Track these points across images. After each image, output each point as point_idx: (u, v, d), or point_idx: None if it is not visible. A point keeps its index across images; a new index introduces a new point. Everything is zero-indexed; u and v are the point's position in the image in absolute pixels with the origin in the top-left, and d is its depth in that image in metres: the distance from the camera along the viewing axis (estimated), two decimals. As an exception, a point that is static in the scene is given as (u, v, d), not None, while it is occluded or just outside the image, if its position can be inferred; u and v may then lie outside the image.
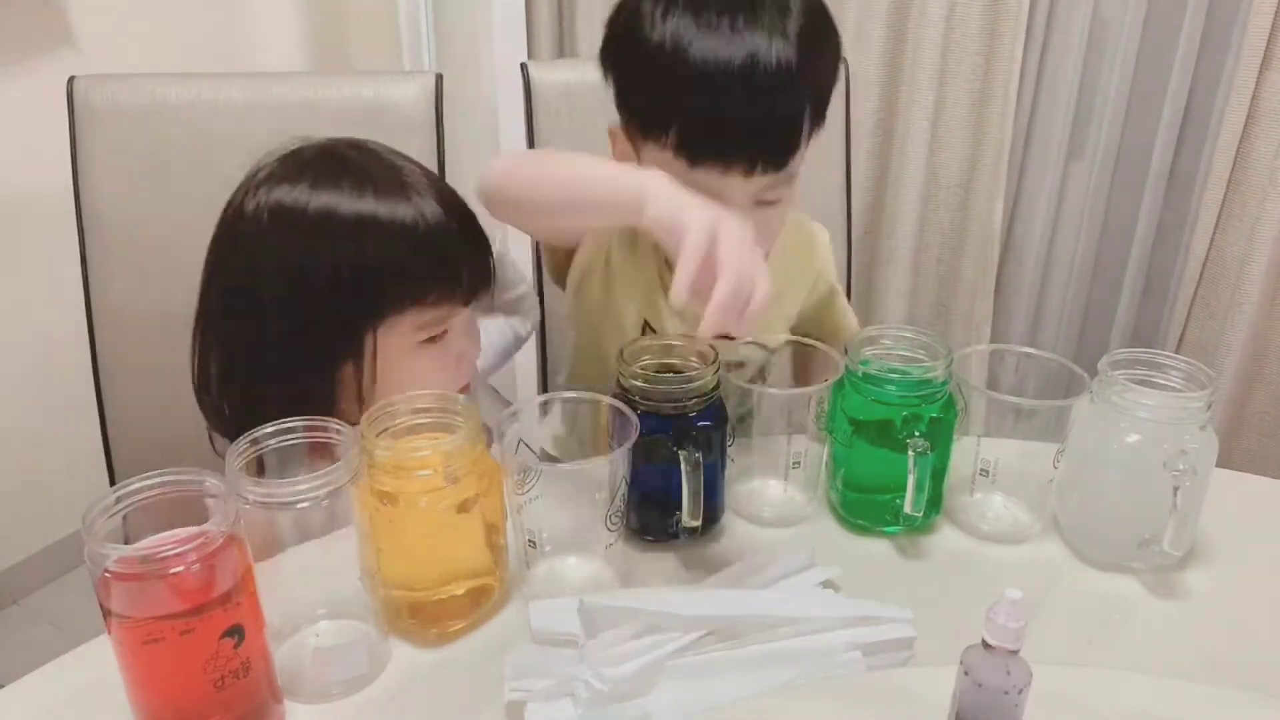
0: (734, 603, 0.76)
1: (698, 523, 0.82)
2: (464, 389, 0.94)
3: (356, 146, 0.90)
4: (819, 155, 1.32)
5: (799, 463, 0.91)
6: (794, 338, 0.98)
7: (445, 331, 0.91)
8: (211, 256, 0.90)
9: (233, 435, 0.74)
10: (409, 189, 0.87)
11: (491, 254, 0.93)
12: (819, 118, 0.87)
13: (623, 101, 0.90)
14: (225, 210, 0.90)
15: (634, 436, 0.76)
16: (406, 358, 0.89)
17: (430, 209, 0.87)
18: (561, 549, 0.82)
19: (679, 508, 0.81)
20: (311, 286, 0.85)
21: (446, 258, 0.88)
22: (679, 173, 0.82)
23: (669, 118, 0.83)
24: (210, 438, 0.94)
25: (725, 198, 0.82)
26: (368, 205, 0.85)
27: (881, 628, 0.75)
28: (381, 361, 0.88)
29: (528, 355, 2.26)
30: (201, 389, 0.91)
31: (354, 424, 0.73)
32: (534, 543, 0.80)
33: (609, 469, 0.77)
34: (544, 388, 1.38)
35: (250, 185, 0.88)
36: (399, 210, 0.86)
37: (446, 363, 0.92)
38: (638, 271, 0.99)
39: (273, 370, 0.87)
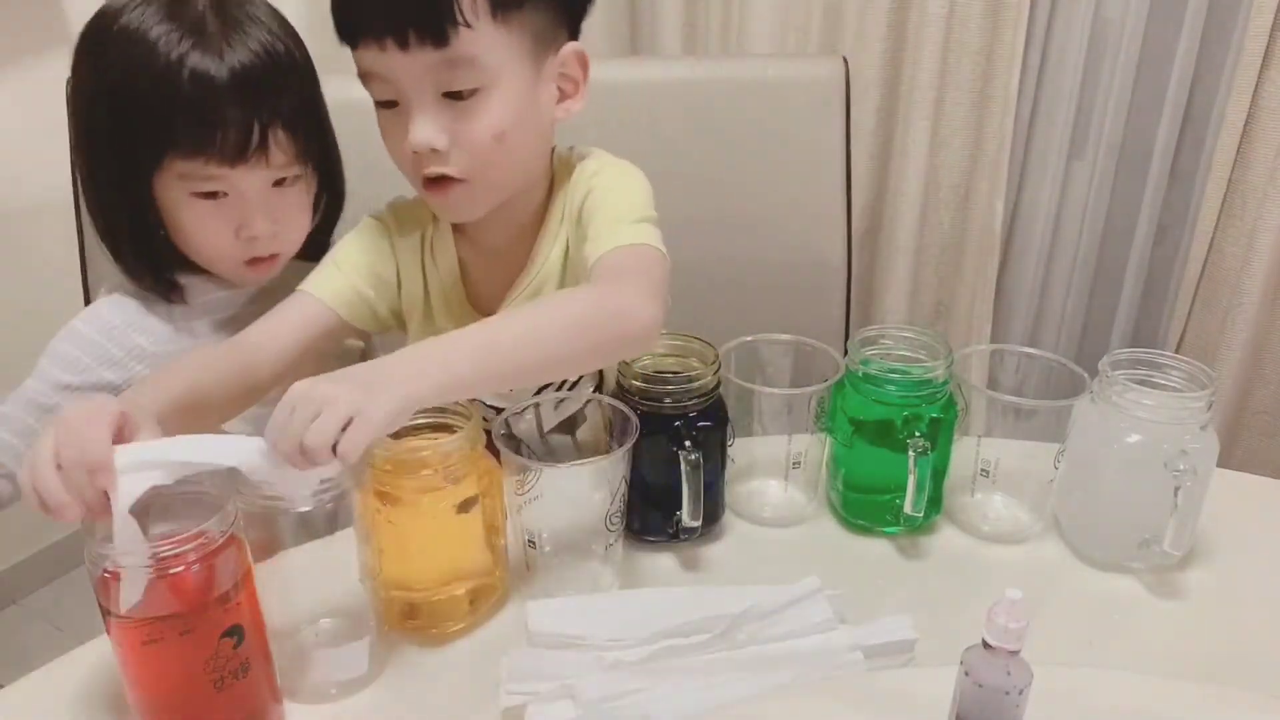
0: (720, 604, 0.76)
1: (698, 523, 0.82)
2: (260, 262, 0.96)
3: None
4: (819, 155, 1.33)
5: (799, 463, 0.91)
6: (793, 337, 0.98)
7: (225, 194, 0.91)
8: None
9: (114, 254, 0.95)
10: (211, 44, 0.86)
11: (319, 145, 0.96)
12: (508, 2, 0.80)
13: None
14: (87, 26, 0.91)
15: (634, 436, 0.76)
16: (178, 206, 0.91)
17: (207, 64, 0.86)
18: (561, 549, 0.82)
19: (679, 508, 0.81)
20: (100, 106, 0.89)
21: (202, 111, 0.86)
22: (357, 60, 0.83)
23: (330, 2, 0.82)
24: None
25: (402, 84, 0.80)
26: (156, 33, 0.86)
27: (882, 627, 0.75)
28: (165, 209, 0.92)
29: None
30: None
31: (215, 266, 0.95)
32: (534, 543, 0.80)
33: (609, 469, 0.77)
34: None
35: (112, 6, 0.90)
36: (174, 49, 0.85)
37: (223, 224, 0.92)
38: (436, 285, 0.96)
39: (99, 189, 0.93)
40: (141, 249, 0.95)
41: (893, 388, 0.85)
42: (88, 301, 1.15)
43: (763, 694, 0.70)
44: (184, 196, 0.90)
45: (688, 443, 0.80)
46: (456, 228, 0.95)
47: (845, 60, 1.36)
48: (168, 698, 0.64)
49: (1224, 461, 0.84)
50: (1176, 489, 0.77)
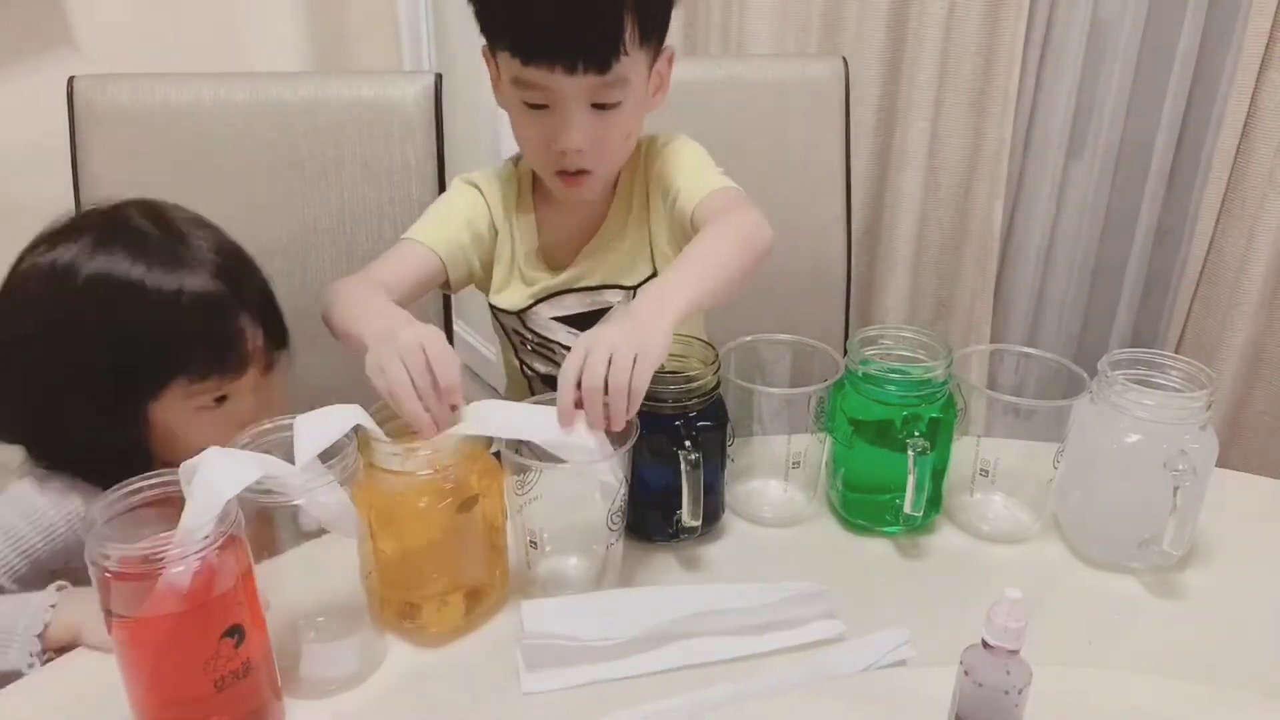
0: (718, 603, 0.77)
1: (698, 523, 0.82)
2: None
3: (149, 212, 0.91)
4: (819, 155, 1.34)
5: (799, 463, 0.91)
6: (793, 337, 0.98)
7: (225, 397, 0.90)
8: None
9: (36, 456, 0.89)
10: (185, 261, 0.87)
11: (280, 324, 0.96)
12: (650, 27, 0.93)
13: (478, 18, 0.96)
14: (13, 265, 0.91)
15: (634, 437, 0.76)
16: (184, 424, 0.90)
17: (199, 283, 0.87)
18: (562, 549, 0.82)
19: (679, 508, 0.81)
20: (81, 351, 0.86)
21: (210, 333, 0.88)
22: (517, 71, 0.92)
23: (503, 20, 0.92)
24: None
25: (560, 95, 0.92)
26: (136, 272, 0.86)
27: (877, 644, 0.76)
28: (163, 426, 0.90)
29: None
30: None
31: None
32: (535, 543, 0.80)
33: (609, 469, 0.77)
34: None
35: (36, 242, 0.91)
36: (164, 281, 0.86)
37: (229, 429, 0.81)
38: (517, 245, 1.07)
39: (66, 424, 0.88)
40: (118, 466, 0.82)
41: (892, 388, 0.85)
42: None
43: (763, 694, 0.70)
44: (189, 412, 0.90)
45: (688, 443, 0.80)
46: (539, 194, 1.07)
47: (845, 60, 1.37)
48: (168, 698, 0.64)
49: (1224, 461, 0.84)
50: (1176, 489, 0.77)
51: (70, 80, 1.12)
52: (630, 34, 0.90)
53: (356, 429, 0.72)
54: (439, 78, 1.23)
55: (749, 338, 0.96)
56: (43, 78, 1.67)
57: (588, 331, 0.78)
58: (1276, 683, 0.74)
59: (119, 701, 0.64)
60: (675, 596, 0.79)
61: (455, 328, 1.34)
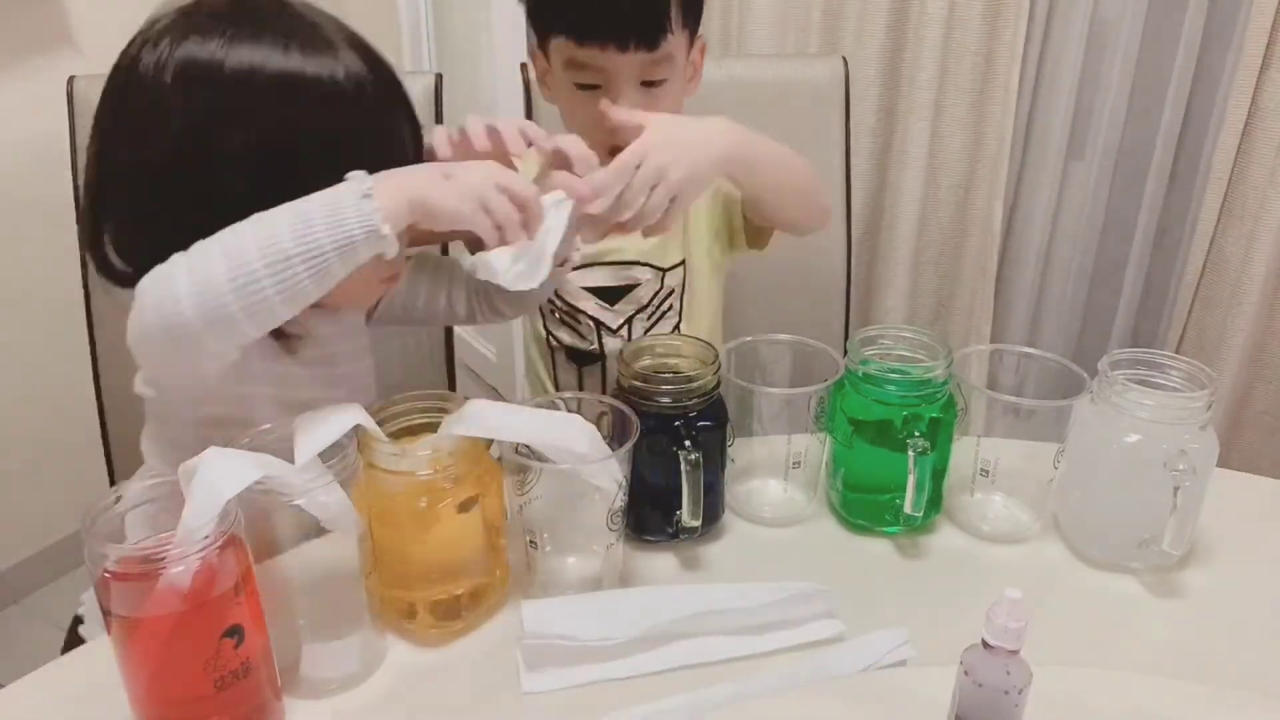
0: (716, 602, 0.77)
1: (698, 523, 0.82)
2: (392, 280, 0.88)
3: (272, 3, 0.78)
4: (819, 155, 1.34)
5: (799, 462, 0.91)
6: (793, 337, 0.98)
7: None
8: (101, 121, 0.79)
9: (127, 281, 0.74)
10: (333, 46, 0.77)
11: (419, 131, 0.84)
12: (689, 10, 1.00)
13: (530, 9, 1.02)
14: (116, 68, 0.77)
15: (634, 436, 0.76)
16: None
17: (356, 67, 0.77)
18: (562, 549, 0.82)
19: (679, 508, 0.81)
20: (224, 157, 0.74)
21: (378, 124, 0.79)
22: (571, 52, 0.98)
23: (558, 6, 0.99)
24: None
25: (611, 74, 0.98)
26: (293, 63, 0.74)
27: (876, 643, 0.76)
28: None
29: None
30: (93, 248, 0.82)
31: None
32: (534, 543, 0.80)
33: (609, 469, 0.77)
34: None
35: (148, 37, 0.76)
36: (327, 69, 0.75)
37: (374, 270, 0.81)
38: None
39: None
40: None
41: (892, 388, 0.85)
42: (88, 301, 1.15)
43: (763, 694, 0.70)
44: None
45: (688, 443, 0.80)
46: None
47: (845, 60, 1.36)
48: (168, 698, 0.64)
49: (1224, 461, 0.84)
50: (1176, 489, 0.77)
51: (70, 80, 1.12)
52: (675, 13, 0.97)
53: (356, 429, 0.72)
54: (439, 78, 1.23)
55: (749, 338, 0.96)
56: (43, 78, 1.68)
57: (648, 133, 0.86)
58: (1276, 683, 0.74)
59: (119, 701, 0.64)
60: (675, 596, 0.79)
61: (455, 328, 1.34)
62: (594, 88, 0.99)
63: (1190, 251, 1.76)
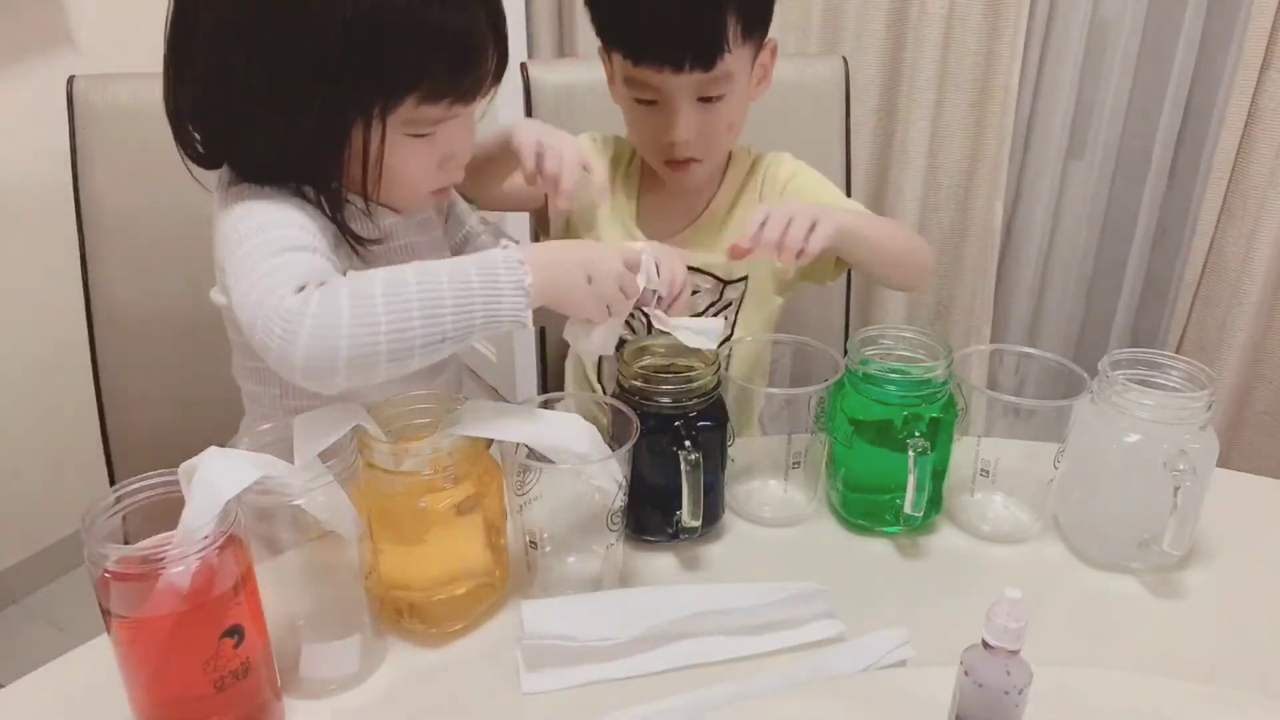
0: (716, 602, 0.77)
1: (698, 523, 0.82)
2: (444, 191, 0.88)
3: None
4: (819, 155, 1.33)
5: (798, 462, 0.91)
6: (793, 337, 0.98)
7: (437, 131, 0.81)
8: None
9: (208, 161, 0.79)
10: None
11: (505, 51, 0.82)
12: (753, 23, 0.98)
13: (593, 19, 1.02)
14: None
15: (635, 436, 0.76)
16: (387, 146, 0.79)
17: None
18: (562, 549, 0.82)
19: (679, 508, 0.81)
20: (313, 46, 0.73)
21: (460, 42, 0.77)
22: (629, 71, 0.99)
23: (616, 24, 0.99)
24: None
25: (668, 92, 0.98)
26: None
27: (875, 644, 0.76)
28: (363, 148, 0.78)
29: (527, 356, 2.26)
30: (174, 111, 0.81)
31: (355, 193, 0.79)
32: (534, 543, 0.80)
33: (610, 469, 0.77)
34: (544, 387, 1.38)
35: None
36: None
37: (430, 160, 0.83)
38: (615, 206, 1.12)
39: (252, 120, 0.76)
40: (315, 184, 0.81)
41: (892, 388, 0.85)
42: (88, 301, 1.15)
43: (763, 694, 0.70)
44: (398, 138, 0.80)
45: (688, 443, 0.80)
46: (644, 175, 1.13)
47: (845, 60, 1.36)
48: (168, 698, 0.64)
49: (1224, 461, 0.84)
50: (1176, 489, 0.77)
51: (70, 80, 1.12)
52: (734, 32, 0.95)
53: (356, 429, 0.72)
54: (439, 78, 1.23)
55: (749, 338, 0.96)
56: (43, 78, 1.68)
57: (780, 204, 0.91)
58: (1276, 683, 0.74)
59: (119, 701, 0.64)
60: (675, 596, 0.79)
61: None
62: (651, 103, 1.00)
63: (1190, 251, 1.76)
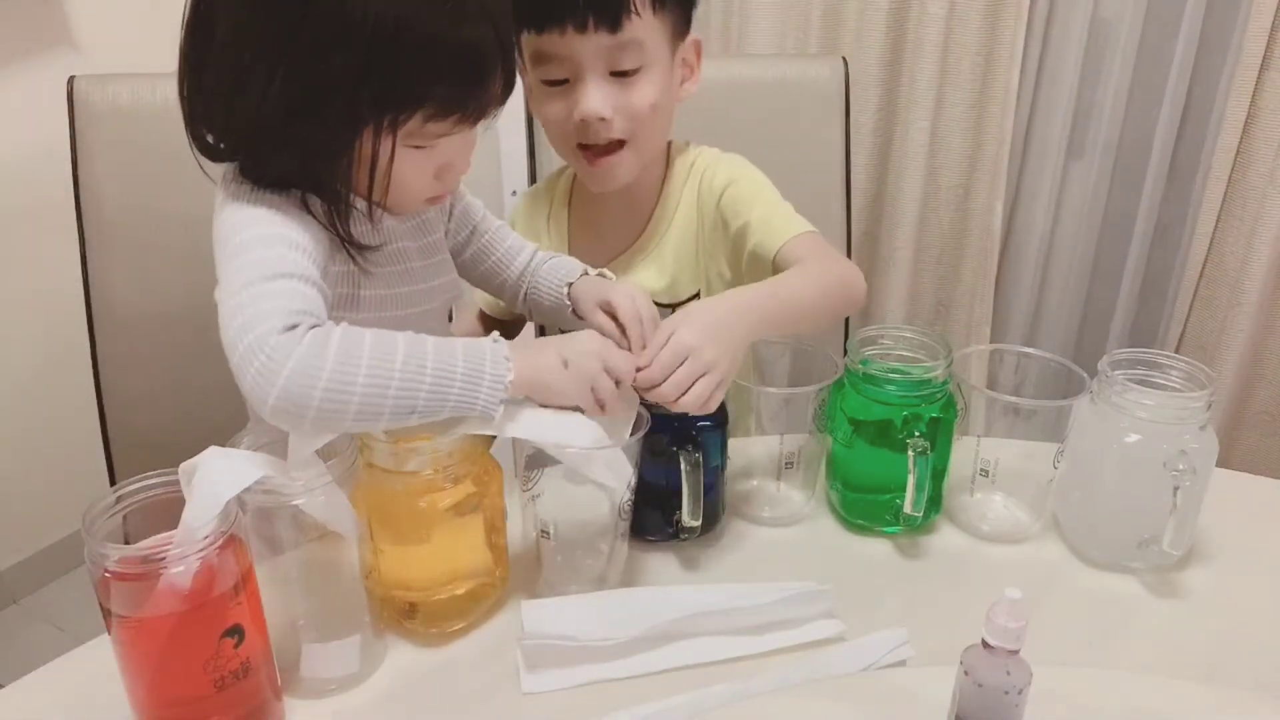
0: (716, 602, 0.77)
1: (697, 523, 0.82)
2: (440, 197, 0.86)
3: None
4: (819, 155, 1.33)
5: (791, 463, 0.91)
6: (793, 337, 0.98)
7: (438, 145, 0.81)
8: None
9: (217, 156, 0.78)
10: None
11: (513, 70, 0.82)
12: None
13: None
14: None
15: (645, 428, 0.76)
16: (388, 156, 0.78)
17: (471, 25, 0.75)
18: (570, 545, 0.82)
19: (679, 508, 0.81)
20: (333, 50, 0.72)
21: (474, 62, 0.76)
22: (534, 44, 0.94)
23: None
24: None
25: (576, 63, 0.94)
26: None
27: (876, 643, 0.76)
28: (366, 156, 0.77)
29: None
30: (189, 114, 0.79)
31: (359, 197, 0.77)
32: (546, 533, 0.80)
33: (615, 466, 0.76)
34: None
35: None
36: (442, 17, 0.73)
37: (427, 171, 0.82)
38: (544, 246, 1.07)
39: (267, 127, 0.75)
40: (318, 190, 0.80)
41: (892, 388, 0.85)
42: (88, 301, 1.15)
43: (762, 694, 0.70)
44: (400, 149, 0.79)
45: (688, 443, 0.80)
46: (573, 207, 1.10)
47: (845, 60, 1.36)
48: (168, 697, 0.64)
49: (1224, 461, 0.84)
50: (1176, 489, 0.78)
51: (70, 80, 1.12)
52: None
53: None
54: (439, 78, 1.23)
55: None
56: (43, 78, 1.68)
57: (669, 319, 0.81)
58: (1277, 683, 0.74)
59: (119, 701, 0.64)
60: (675, 596, 0.79)
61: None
62: (562, 83, 0.96)
63: (1190, 251, 1.77)
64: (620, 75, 0.95)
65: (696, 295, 1.07)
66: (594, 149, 0.99)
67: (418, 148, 0.80)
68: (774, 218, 1.01)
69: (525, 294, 1.01)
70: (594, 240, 1.10)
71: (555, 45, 0.93)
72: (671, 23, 0.98)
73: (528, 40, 0.95)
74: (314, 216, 0.78)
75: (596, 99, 0.95)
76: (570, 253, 1.05)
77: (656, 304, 0.98)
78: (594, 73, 0.94)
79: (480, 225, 1.02)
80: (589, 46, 0.93)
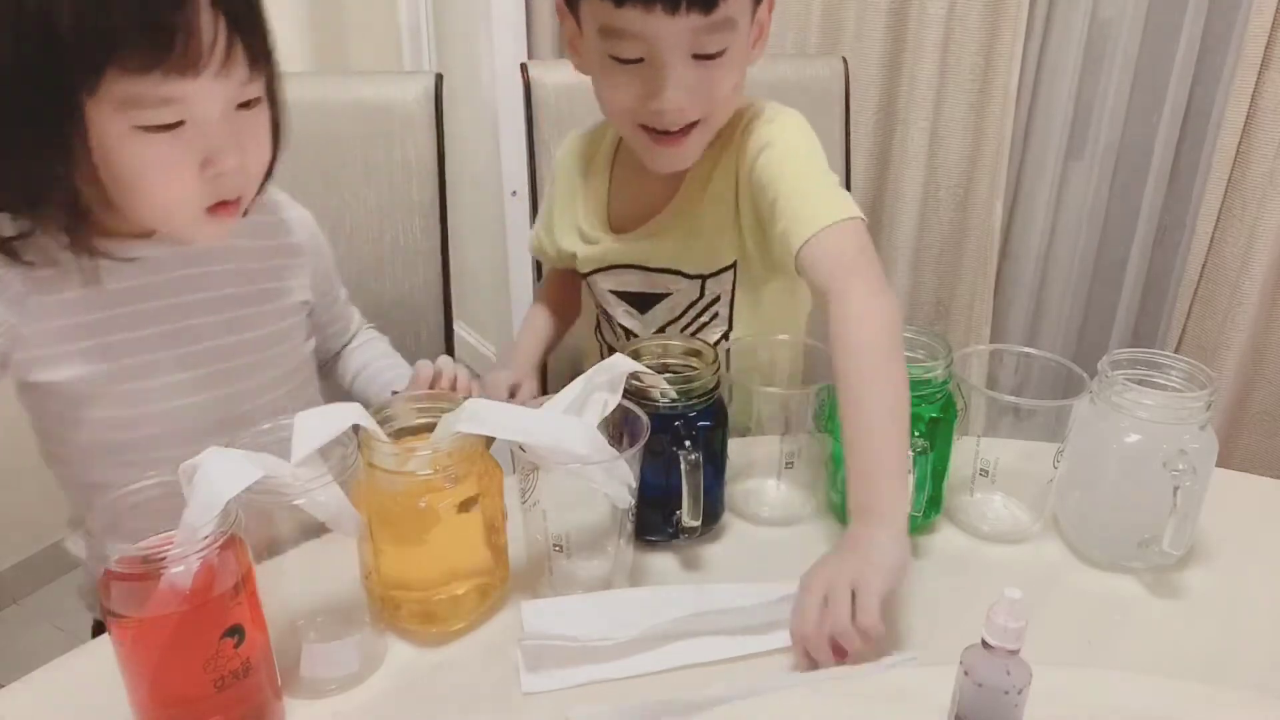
0: (716, 602, 0.77)
1: (697, 523, 0.82)
2: (225, 207, 0.76)
3: None
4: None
5: (791, 462, 0.91)
6: (793, 337, 0.98)
7: (182, 122, 0.70)
8: None
9: None
10: None
11: (259, 25, 0.73)
12: None
13: None
14: None
15: (644, 437, 0.76)
16: (122, 145, 0.68)
17: None
18: (575, 550, 0.82)
19: (679, 508, 0.81)
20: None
21: (156, 6, 0.66)
22: (607, 17, 0.81)
23: None
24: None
25: (657, 45, 0.81)
26: None
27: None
28: (98, 148, 0.68)
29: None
30: None
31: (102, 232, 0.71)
32: (560, 547, 0.79)
33: (617, 472, 0.76)
34: (544, 388, 1.38)
35: None
36: None
37: (186, 162, 0.72)
38: (587, 207, 1.05)
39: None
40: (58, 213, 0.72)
41: (892, 388, 0.85)
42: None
43: (762, 694, 0.70)
44: (128, 133, 0.69)
45: (688, 443, 0.80)
46: (616, 168, 1.02)
47: (845, 60, 1.37)
48: (168, 698, 0.64)
49: (1224, 461, 0.84)
50: (1176, 489, 0.78)
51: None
52: None
53: (357, 429, 0.72)
54: (439, 78, 1.23)
55: (749, 338, 0.96)
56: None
57: (832, 572, 0.71)
58: (1277, 683, 0.74)
59: (119, 701, 0.64)
60: (675, 596, 0.79)
61: (455, 328, 1.34)
62: (635, 61, 0.84)
63: (1190, 251, 1.77)
64: (703, 58, 0.84)
65: (734, 265, 0.98)
66: (663, 133, 0.89)
67: (156, 130, 0.69)
68: (805, 200, 0.87)
69: (353, 378, 1.01)
70: (629, 204, 1.01)
71: (636, 23, 0.80)
72: None
73: (595, 7, 0.83)
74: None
75: (680, 92, 0.83)
76: (607, 215, 1.01)
77: (682, 274, 0.98)
78: (676, 57, 0.82)
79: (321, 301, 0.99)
80: (676, 28, 0.80)
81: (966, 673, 0.59)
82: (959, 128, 1.79)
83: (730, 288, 0.99)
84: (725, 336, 1.01)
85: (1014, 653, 0.58)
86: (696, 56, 0.83)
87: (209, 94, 0.70)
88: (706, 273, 0.98)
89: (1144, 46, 1.72)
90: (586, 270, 1.05)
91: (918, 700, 0.68)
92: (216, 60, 0.69)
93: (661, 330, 1.03)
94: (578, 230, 1.05)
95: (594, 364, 0.78)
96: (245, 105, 0.74)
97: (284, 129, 0.82)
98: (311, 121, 1.19)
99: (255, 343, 0.86)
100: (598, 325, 1.12)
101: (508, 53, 1.91)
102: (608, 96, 0.90)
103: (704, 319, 1.01)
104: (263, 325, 0.87)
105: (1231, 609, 0.82)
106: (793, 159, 0.91)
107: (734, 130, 0.95)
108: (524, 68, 1.27)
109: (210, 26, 0.68)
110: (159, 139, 0.70)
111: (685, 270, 0.98)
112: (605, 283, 1.02)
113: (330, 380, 1.05)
